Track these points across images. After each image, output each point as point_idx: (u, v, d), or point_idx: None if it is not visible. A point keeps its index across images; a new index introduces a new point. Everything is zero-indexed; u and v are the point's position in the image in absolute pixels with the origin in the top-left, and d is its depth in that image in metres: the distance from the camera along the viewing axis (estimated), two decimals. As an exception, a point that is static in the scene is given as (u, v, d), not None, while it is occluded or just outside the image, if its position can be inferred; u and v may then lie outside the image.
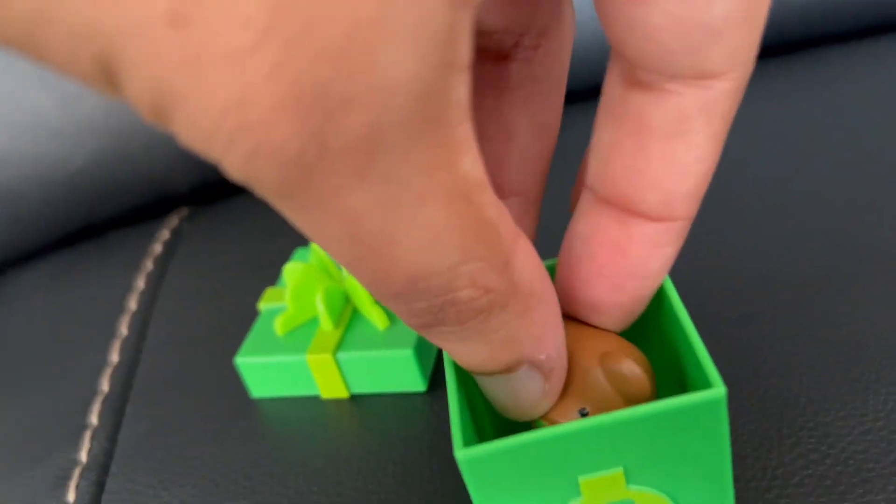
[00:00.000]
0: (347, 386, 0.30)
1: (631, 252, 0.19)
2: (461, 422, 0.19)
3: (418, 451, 0.27)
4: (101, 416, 0.32)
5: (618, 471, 0.19)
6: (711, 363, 0.18)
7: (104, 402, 0.33)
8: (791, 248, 0.32)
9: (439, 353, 0.31)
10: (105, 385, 0.34)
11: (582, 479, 0.19)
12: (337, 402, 0.30)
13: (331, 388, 0.30)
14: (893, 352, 0.26)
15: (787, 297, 0.29)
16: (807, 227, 0.33)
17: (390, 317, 0.30)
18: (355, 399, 0.30)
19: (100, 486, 0.29)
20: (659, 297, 0.21)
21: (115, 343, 0.37)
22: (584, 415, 0.19)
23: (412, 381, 0.29)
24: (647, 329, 0.23)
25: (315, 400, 0.30)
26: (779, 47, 0.45)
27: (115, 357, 0.36)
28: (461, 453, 0.18)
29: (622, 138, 0.18)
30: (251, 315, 0.36)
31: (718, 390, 0.17)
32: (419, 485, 0.26)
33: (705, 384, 0.18)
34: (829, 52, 0.44)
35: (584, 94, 0.46)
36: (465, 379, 0.21)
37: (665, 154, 0.17)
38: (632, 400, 0.19)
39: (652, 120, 0.17)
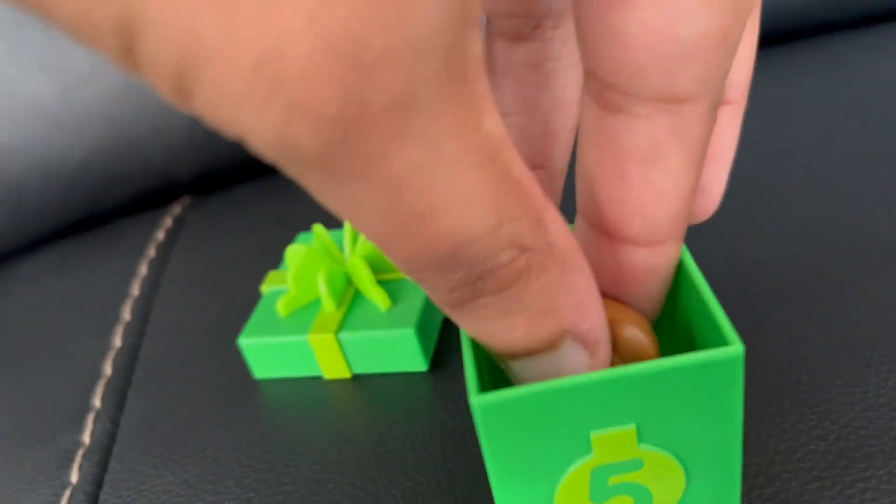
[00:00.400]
0: (349, 366, 0.30)
1: (626, 277, 0.19)
2: (476, 369, 0.19)
3: (420, 429, 0.27)
4: (104, 398, 0.33)
5: (630, 427, 0.19)
6: (728, 322, 0.18)
7: (107, 385, 0.33)
8: (792, 232, 0.32)
9: (441, 332, 0.31)
10: (108, 368, 0.34)
11: (594, 434, 0.19)
12: (339, 383, 0.30)
13: (333, 368, 0.30)
14: (894, 332, 0.26)
15: (788, 278, 0.29)
16: (809, 212, 0.33)
17: (392, 297, 0.30)
18: (357, 379, 0.30)
19: (102, 468, 0.29)
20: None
21: (118, 328, 0.37)
22: None
23: (414, 360, 0.29)
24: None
25: (317, 381, 0.30)
26: (784, 35, 0.45)
27: (118, 341, 0.36)
28: (476, 399, 0.18)
29: (602, 164, 0.18)
30: (253, 301, 0.36)
31: (736, 348, 0.17)
32: (422, 464, 0.26)
33: (722, 343, 0.18)
34: (834, 41, 0.44)
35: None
36: None
37: (643, 180, 0.17)
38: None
39: (627, 145, 0.17)
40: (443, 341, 0.30)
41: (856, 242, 0.30)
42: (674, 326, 0.22)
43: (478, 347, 0.21)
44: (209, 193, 0.49)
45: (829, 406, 0.24)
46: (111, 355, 0.35)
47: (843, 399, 0.24)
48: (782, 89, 0.42)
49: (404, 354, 0.29)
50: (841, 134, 0.37)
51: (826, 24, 0.45)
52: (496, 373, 0.23)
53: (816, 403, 0.25)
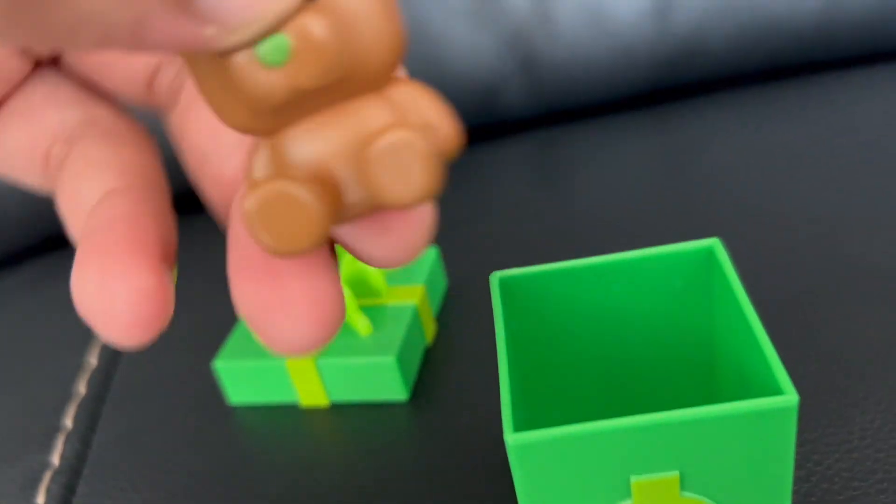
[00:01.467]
0: (327, 393, 0.29)
1: None
2: (512, 405, 0.18)
3: (399, 463, 0.26)
4: (75, 418, 0.32)
5: (673, 475, 0.18)
6: (782, 368, 0.18)
7: (80, 404, 0.33)
8: (777, 263, 0.32)
9: (423, 360, 0.30)
10: (82, 388, 0.34)
11: (634, 480, 0.18)
12: (316, 411, 0.29)
13: (310, 394, 0.29)
14: (880, 369, 0.26)
15: (773, 312, 0.29)
16: (793, 243, 0.33)
17: (374, 323, 0.29)
18: (335, 408, 0.29)
19: (70, 490, 0.28)
20: (723, 286, 0.21)
21: (93, 347, 0.36)
22: None
23: (394, 389, 0.28)
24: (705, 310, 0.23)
25: (293, 408, 0.30)
26: (773, 72, 0.45)
27: (93, 361, 0.35)
28: (512, 438, 0.17)
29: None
30: (231, 324, 0.36)
31: (790, 398, 0.17)
32: (399, 498, 0.25)
33: (774, 389, 0.18)
34: (823, 79, 0.45)
35: (584, 111, 0.46)
36: (518, 362, 0.21)
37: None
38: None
39: None
40: (425, 370, 0.30)
41: (848, 275, 0.30)
42: (716, 359, 0.22)
43: (515, 383, 0.20)
44: (189, 215, 0.48)
45: (813, 447, 0.24)
46: (86, 375, 0.34)
47: (826, 440, 0.24)
48: (771, 123, 0.42)
49: (384, 383, 0.28)
50: (822, 166, 0.37)
51: (814, 63, 0.46)
52: (532, 410, 0.23)
53: (801, 443, 0.24)
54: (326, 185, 0.14)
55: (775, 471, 0.18)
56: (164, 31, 0.12)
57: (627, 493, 0.18)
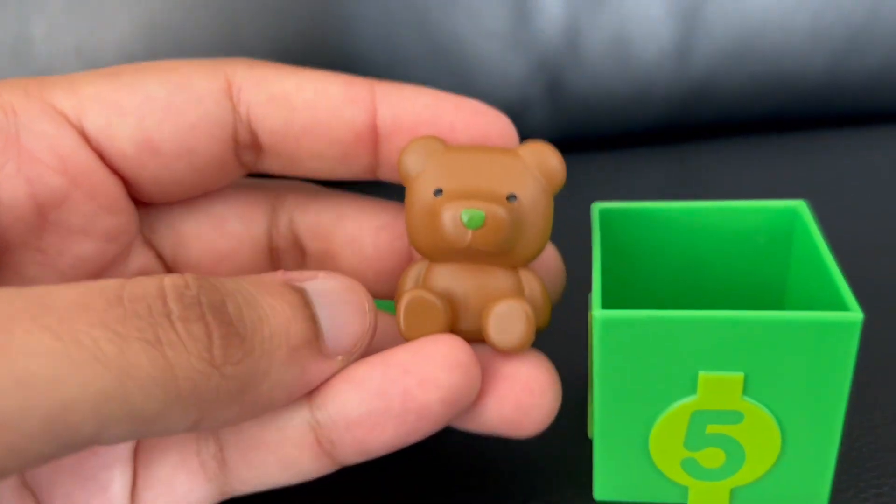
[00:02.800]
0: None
1: None
2: (602, 285, 0.19)
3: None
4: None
5: (738, 375, 0.18)
6: (850, 292, 0.19)
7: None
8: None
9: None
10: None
11: (702, 374, 0.18)
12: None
13: None
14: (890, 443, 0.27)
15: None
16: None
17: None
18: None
19: None
20: (805, 243, 0.22)
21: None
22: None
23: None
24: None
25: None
26: (782, 121, 0.48)
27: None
28: (599, 313, 0.18)
29: None
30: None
31: (856, 315, 0.18)
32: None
33: (841, 307, 0.18)
34: (827, 133, 0.48)
35: (602, 140, 0.48)
36: (610, 234, 0.23)
37: None
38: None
39: None
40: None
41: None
42: (787, 286, 0.23)
43: (608, 256, 0.22)
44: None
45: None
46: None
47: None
48: (779, 172, 0.44)
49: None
50: (826, 214, 0.39)
51: (812, 118, 0.49)
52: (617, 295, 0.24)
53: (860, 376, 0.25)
54: (450, 306, 0.20)
55: (832, 391, 0.19)
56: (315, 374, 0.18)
57: (694, 389, 0.19)
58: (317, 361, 0.18)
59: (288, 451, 0.19)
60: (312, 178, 0.22)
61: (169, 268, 0.22)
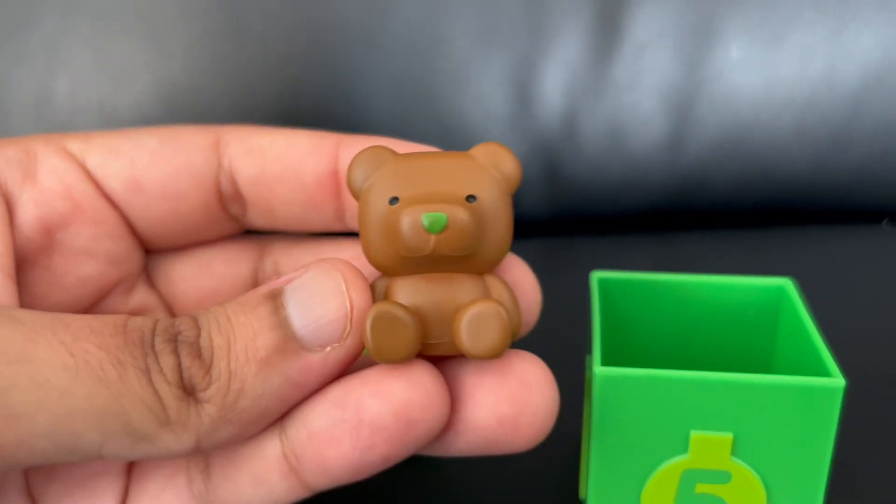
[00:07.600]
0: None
1: None
2: (602, 343, 0.20)
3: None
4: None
5: (727, 435, 0.19)
6: (831, 357, 0.20)
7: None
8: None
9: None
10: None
11: (694, 433, 0.19)
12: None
13: None
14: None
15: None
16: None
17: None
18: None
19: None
20: (791, 320, 0.23)
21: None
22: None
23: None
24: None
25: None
26: (769, 214, 0.50)
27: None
28: (599, 370, 0.19)
29: None
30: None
31: (838, 381, 0.19)
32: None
33: (824, 374, 0.20)
34: (811, 230, 0.50)
35: (595, 223, 0.50)
36: (608, 302, 0.24)
37: None
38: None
39: None
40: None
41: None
42: (774, 358, 0.24)
43: (605, 322, 0.22)
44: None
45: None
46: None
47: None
48: (764, 265, 0.46)
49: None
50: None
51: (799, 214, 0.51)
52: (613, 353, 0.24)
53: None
54: (419, 319, 0.18)
55: (815, 454, 0.20)
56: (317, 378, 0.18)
57: (685, 448, 0.20)
58: (299, 360, 0.18)
59: (258, 464, 0.19)
60: (291, 230, 0.24)
61: (167, 305, 0.24)
